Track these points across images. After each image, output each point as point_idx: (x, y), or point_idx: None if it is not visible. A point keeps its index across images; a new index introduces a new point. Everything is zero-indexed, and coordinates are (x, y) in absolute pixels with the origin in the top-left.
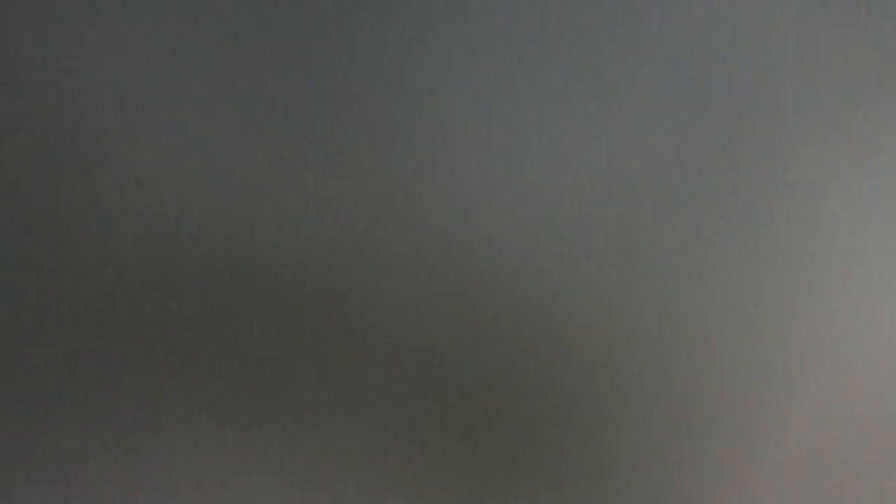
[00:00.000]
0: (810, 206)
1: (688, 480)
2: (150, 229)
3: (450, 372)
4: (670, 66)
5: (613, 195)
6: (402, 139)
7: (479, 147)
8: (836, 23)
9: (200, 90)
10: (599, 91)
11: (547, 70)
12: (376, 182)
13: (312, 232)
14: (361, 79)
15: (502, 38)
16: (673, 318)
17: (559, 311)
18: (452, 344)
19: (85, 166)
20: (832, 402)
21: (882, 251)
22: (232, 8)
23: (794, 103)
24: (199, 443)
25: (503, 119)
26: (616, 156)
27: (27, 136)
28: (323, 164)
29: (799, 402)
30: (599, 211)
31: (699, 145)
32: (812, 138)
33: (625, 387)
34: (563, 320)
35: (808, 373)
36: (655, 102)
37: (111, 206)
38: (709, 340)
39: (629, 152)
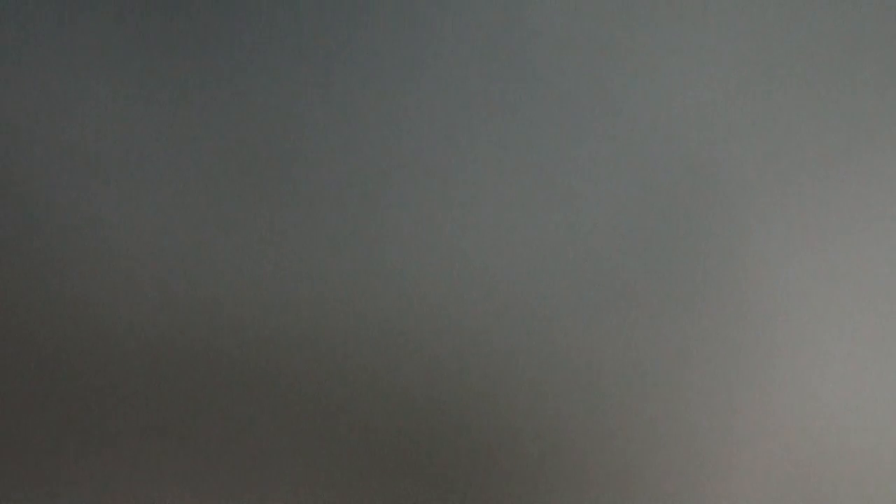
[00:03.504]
0: (763, 288)
1: None
2: (127, 305)
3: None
4: (625, 148)
5: (564, 278)
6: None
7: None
8: (786, 99)
9: (187, 160)
10: (552, 174)
11: (498, 150)
12: (351, 252)
13: (286, 303)
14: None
15: (460, 121)
16: (628, 398)
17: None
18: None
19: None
20: (776, 480)
21: (832, 329)
22: (213, 75)
23: (746, 185)
24: None
25: (460, 202)
26: (567, 238)
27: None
28: (297, 232)
29: (743, 480)
30: (552, 297)
31: (652, 228)
32: (764, 220)
33: (575, 461)
34: (526, 402)
35: (753, 452)
36: (609, 184)
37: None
38: (657, 417)
39: (582, 234)
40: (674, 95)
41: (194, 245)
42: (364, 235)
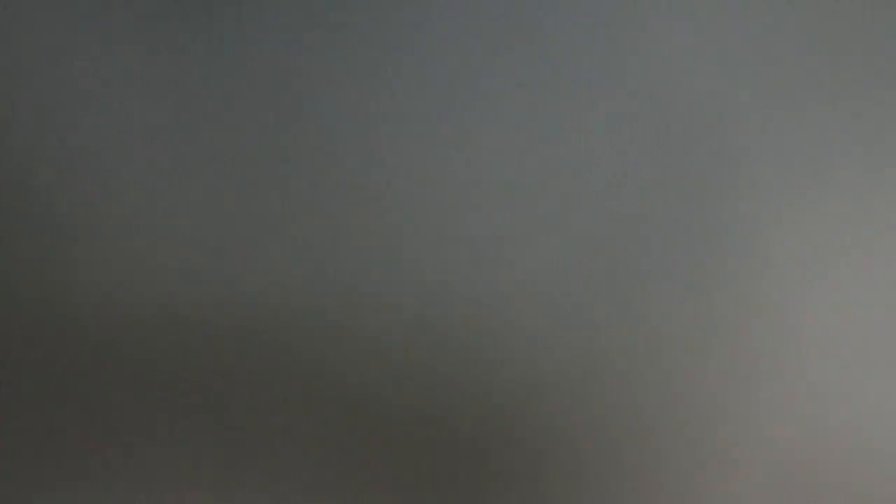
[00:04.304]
0: (764, 252)
1: None
2: (130, 286)
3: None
4: (629, 94)
5: (568, 225)
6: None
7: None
8: (789, 44)
9: (197, 131)
10: (557, 120)
11: (501, 99)
12: (359, 234)
13: (298, 288)
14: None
15: (463, 72)
16: (637, 355)
17: (529, 355)
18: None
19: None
20: (796, 444)
21: (835, 290)
22: (216, 57)
23: (748, 128)
24: None
25: (461, 171)
26: (572, 182)
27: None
28: (304, 212)
29: (761, 444)
30: (555, 244)
31: (660, 201)
32: (767, 166)
33: (593, 421)
34: (532, 360)
35: (741, 433)
36: (613, 131)
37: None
38: (670, 377)
39: (585, 181)
40: (679, 40)
41: (199, 234)
42: (366, 219)
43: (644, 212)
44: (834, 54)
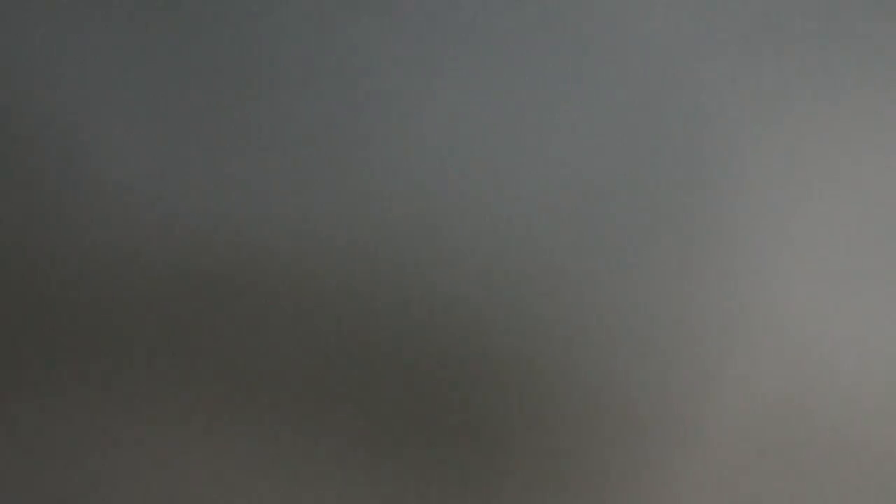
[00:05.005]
0: (736, 218)
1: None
2: (134, 233)
3: (436, 379)
4: (609, 73)
5: (548, 200)
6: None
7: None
8: (768, 23)
9: (188, 92)
10: (536, 99)
11: (482, 76)
12: (357, 185)
13: (298, 233)
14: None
15: (442, 47)
16: (600, 323)
17: (516, 315)
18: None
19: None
20: (749, 408)
21: (804, 257)
22: (221, 10)
23: (729, 107)
24: (189, 446)
25: (466, 136)
26: (550, 161)
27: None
28: (310, 165)
29: (715, 409)
30: (537, 218)
31: (636, 152)
32: (740, 147)
33: (581, 377)
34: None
35: (724, 379)
36: (593, 107)
37: (96, 212)
38: (633, 343)
39: (565, 158)
40: (659, 18)
41: (186, 171)
42: (352, 162)
43: (636, 199)
44: (831, 51)
